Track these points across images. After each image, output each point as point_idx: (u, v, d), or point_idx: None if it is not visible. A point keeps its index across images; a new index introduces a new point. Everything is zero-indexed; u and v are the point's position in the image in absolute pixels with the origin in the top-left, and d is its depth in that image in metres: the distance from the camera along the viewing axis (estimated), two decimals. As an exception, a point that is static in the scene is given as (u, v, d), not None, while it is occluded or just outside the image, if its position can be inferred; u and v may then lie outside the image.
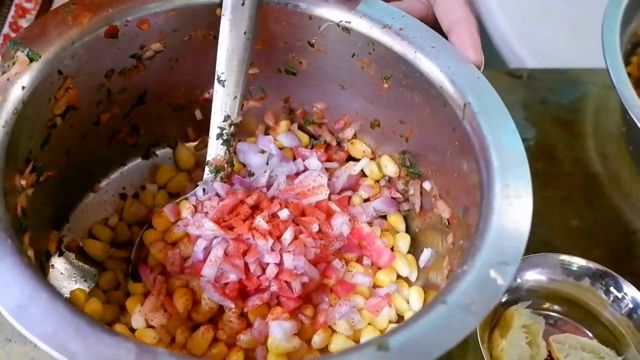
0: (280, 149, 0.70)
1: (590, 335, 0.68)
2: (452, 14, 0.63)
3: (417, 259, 0.66)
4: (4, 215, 0.48)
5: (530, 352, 0.64)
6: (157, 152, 0.72)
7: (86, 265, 0.65)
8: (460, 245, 0.57)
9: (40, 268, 0.59)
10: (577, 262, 0.67)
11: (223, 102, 0.62)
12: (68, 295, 0.61)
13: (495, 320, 0.66)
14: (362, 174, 0.70)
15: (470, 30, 0.61)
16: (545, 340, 0.65)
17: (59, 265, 0.64)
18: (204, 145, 0.72)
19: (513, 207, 0.51)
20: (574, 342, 0.65)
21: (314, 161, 0.68)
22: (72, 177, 0.64)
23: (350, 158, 0.71)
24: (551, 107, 0.89)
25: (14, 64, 0.54)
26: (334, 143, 0.71)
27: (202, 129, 0.70)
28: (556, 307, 0.69)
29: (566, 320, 0.69)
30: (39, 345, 0.42)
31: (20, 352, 0.63)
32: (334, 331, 0.60)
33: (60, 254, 0.64)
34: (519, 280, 0.67)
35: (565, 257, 0.67)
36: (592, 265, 0.67)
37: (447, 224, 0.61)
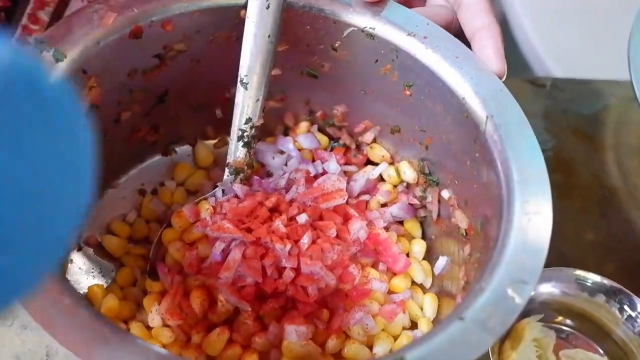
0: (300, 150, 0.70)
1: (601, 352, 0.68)
2: (476, 21, 0.62)
3: (432, 266, 0.66)
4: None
5: (540, 365, 0.64)
6: (177, 149, 0.72)
7: (104, 261, 0.65)
8: (478, 257, 0.57)
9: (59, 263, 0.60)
10: (592, 278, 0.67)
11: (245, 105, 0.62)
12: (86, 290, 0.62)
13: (507, 331, 0.66)
14: (380, 178, 0.70)
15: (494, 38, 0.61)
16: (555, 354, 0.65)
17: (78, 260, 0.64)
18: (223, 143, 0.72)
19: (532, 223, 0.51)
20: (584, 357, 0.66)
21: (333, 164, 0.68)
22: (92, 173, 0.64)
23: (369, 162, 0.71)
24: (572, 118, 0.88)
25: (39, 63, 0.54)
26: (353, 146, 0.71)
27: (222, 127, 0.70)
28: (568, 322, 0.69)
29: (578, 335, 0.69)
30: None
31: (36, 339, 0.64)
32: (348, 336, 0.61)
33: (79, 249, 0.65)
34: (532, 293, 0.66)
35: (580, 272, 0.67)
36: (607, 282, 0.67)
37: (464, 234, 0.61)
